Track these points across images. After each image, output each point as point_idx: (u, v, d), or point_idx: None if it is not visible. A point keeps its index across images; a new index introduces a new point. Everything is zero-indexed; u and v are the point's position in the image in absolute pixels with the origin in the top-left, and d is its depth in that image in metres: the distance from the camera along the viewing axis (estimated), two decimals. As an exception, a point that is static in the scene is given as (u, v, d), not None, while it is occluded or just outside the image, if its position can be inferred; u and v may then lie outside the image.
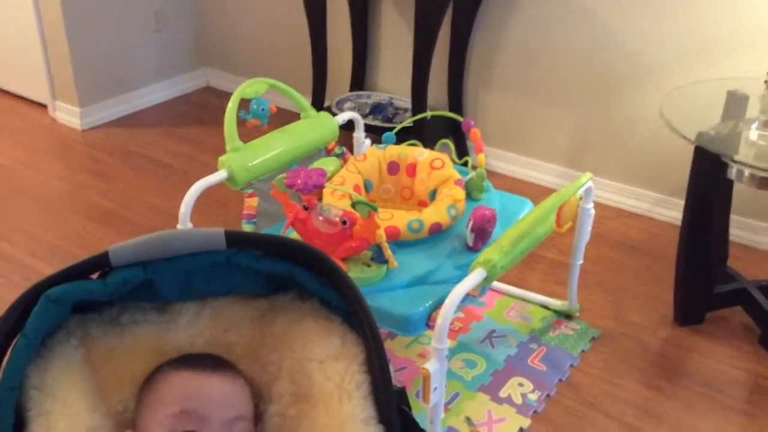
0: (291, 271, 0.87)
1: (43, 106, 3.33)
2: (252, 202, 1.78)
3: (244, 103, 1.81)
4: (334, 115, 2.04)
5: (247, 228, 1.78)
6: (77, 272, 0.82)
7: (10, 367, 0.78)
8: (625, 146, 2.60)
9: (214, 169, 1.76)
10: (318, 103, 2.95)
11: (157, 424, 0.83)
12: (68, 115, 3.22)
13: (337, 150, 2.01)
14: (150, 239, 0.83)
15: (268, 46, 3.41)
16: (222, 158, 1.76)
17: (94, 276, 0.84)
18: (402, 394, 0.84)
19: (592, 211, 1.86)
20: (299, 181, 1.52)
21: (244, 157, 1.76)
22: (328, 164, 1.90)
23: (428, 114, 2.12)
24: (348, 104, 3.00)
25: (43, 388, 0.80)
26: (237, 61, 3.55)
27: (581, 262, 1.95)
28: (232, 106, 1.78)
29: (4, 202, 2.65)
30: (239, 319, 0.93)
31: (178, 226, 1.66)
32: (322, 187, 1.56)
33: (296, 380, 0.88)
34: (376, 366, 0.82)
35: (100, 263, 0.82)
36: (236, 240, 0.85)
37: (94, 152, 3.04)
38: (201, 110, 3.46)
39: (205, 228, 0.85)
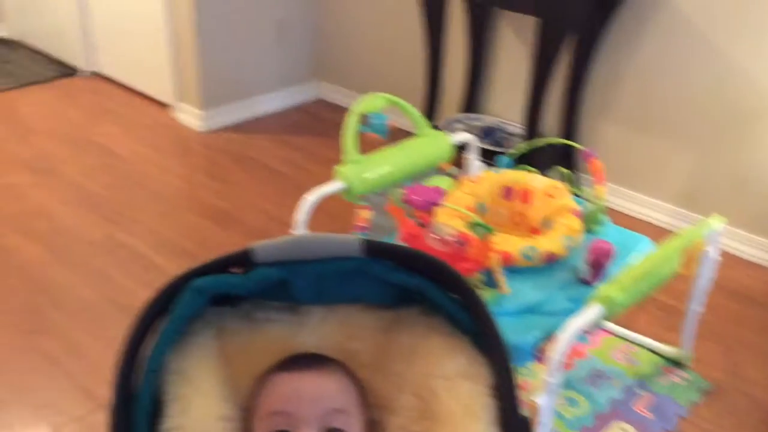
0: (423, 285, 0.86)
1: (167, 107, 3.50)
2: (365, 214, 1.80)
3: (361, 117, 1.84)
4: (446, 135, 2.03)
5: (357, 240, 1.80)
6: (220, 265, 0.84)
7: (154, 350, 0.81)
8: (750, 190, 2.47)
9: (323, 179, 1.79)
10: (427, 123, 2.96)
11: (259, 425, 0.84)
12: (190, 116, 3.37)
13: (451, 170, 2.00)
14: (292, 241, 0.85)
15: (382, 63, 3.46)
16: (339, 169, 1.78)
17: (236, 271, 0.86)
18: (526, 423, 0.82)
19: (718, 257, 1.76)
20: (417, 198, 1.52)
21: (360, 170, 1.78)
22: (441, 183, 1.90)
23: (547, 141, 2.09)
24: (458, 125, 2.99)
25: (181, 374, 0.82)
26: (350, 76, 3.62)
27: (700, 309, 1.86)
28: (352, 118, 1.81)
29: (127, 194, 2.79)
30: (365, 328, 0.93)
31: (293, 232, 1.69)
32: (438, 205, 1.55)
33: (421, 395, 0.86)
34: (505, 390, 0.81)
35: (243, 259, 0.84)
36: (372, 249, 0.85)
37: (212, 154, 3.15)
38: (313, 121, 3.54)
39: (343, 234, 0.86)
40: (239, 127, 3.39)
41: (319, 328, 0.93)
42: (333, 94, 3.72)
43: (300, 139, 3.32)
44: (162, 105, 3.53)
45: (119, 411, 0.78)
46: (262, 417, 0.84)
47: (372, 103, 1.85)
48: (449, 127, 2.95)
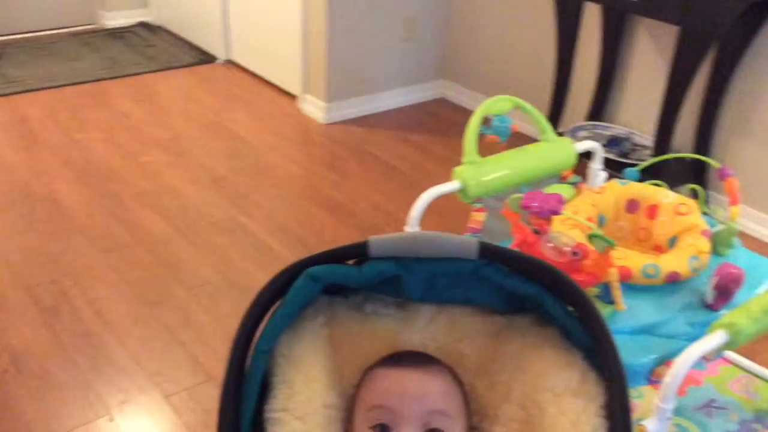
0: (538, 293, 0.83)
1: (294, 98, 3.60)
2: (479, 217, 1.77)
3: (484, 118, 1.81)
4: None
5: (470, 241, 1.78)
6: (337, 256, 0.85)
7: (267, 332, 0.82)
8: None
9: (438, 177, 1.78)
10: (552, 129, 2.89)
11: (360, 417, 0.84)
12: (314, 108, 3.45)
13: (572, 178, 1.94)
14: (409, 237, 0.84)
15: (509, 65, 3.40)
16: (457, 169, 1.77)
17: (350, 262, 0.87)
18: None
19: None
20: (536, 204, 1.48)
21: (479, 171, 1.76)
22: (561, 191, 1.84)
23: (679, 155, 1.98)
24: (583, 133, 2.90)
25: (290, 358, 0.83)
26: (475, 77, 3.59)
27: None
28: (475, 119, 1.78)
29: (251, 178, 2.90)
30: (474, 332, 0.91)
31: (407, 229, 1.69)
32: (558, 213, 1.50)
33: (527, 407, 0.84)
34: (618, 412, 0.76)
35: (359, 251, 0.84)
36: (489, 252, 0.83)
37: (332, 146, 3.22)
38: (433, 120, 3.54)
39: (460, 236, 0.85)
40: (360, 121, 3.44)
41: (427, 327, 0.92)
42: (456, 94, 3.70)
43: (419, 137, 3.33)
44: (289, 95, 3.64)
45: (231, 388, 0.79)
46: (365, 409, 0.84)
47: (497, 104, 1.82)
48: (574, 135, 2.87)
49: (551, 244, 1.47)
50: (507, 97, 1.85)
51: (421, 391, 0.83)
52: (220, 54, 4.08)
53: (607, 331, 0.78)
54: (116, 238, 2.45)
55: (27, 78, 3.74)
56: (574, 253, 1.43)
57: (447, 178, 1.77)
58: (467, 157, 1.78)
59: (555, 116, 2.92)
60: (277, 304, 0.83)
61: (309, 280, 0.83)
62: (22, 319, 2.06)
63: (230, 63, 4.05)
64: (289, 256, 2.35)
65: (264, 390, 0.82)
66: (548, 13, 2.96)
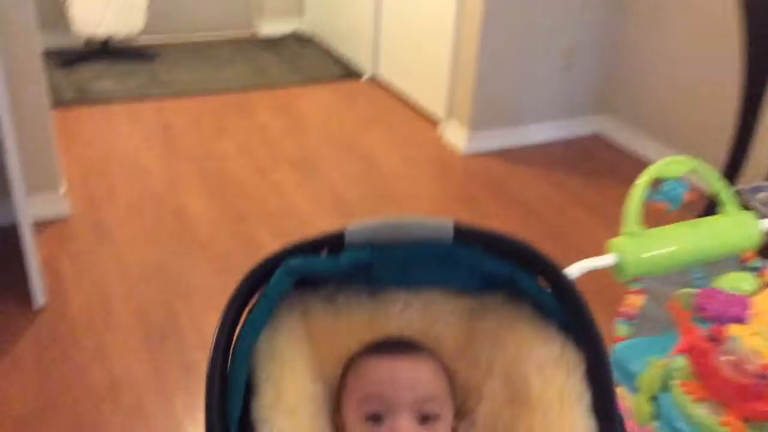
0: (512, 272, 0.85)
1: (435, 123, 3.40)
2: (636, 301, 1.48)
3: (654, 181, 1.52)
4: (747, 208, 1.62)
5: (622, 329, 1.49)
6: (312, 246, 0.85)
7: (248, 329, 0.81)
8: None
9: (584, 228, 1.52)
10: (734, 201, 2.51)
11: (352, 407, 0.84)
12: (455, 135, 3.24)
13: (755, 262, 1.59)
14: (385, 224, 0.84)
15: (679, 104, 3.02)
16: (614, 240, 1.48)
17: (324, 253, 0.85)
18: (620, 415, 0.81)
19: None
20: (713, 308, 1.18)
21: (640, 246, 1.46)
22: (740, 281, 1.51)
23: None
24: (763, 195, 2.49)
25: (272, 353, 0.82)
26: (637, 115, 3.23)
27: None
28: (643, 182, 1.49)
29: (377, 207, 2.73)
30: (448, 314, 0.92)
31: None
32: (742, 322, 1.20)
33: (511, 382, 0.86)
34: (601, 378, 0.82)
35: (334, 241, 0.84)
36: (463, 234, 0.84)
37: (470, 179, 2.99)
38: (585, 159, 3.22)
39: (435, 218, 0.85)
40: (503, 154, 3.19)
41: (401, 313, 0.91)
42: (614, 131, 3.35)
43: (567, 177, 3.03)
44: (430, 121, 3.45)
45: (216, 389, 0.77)
46: (356, 399, 0.84)
47: (672, 167, 1.52)
48: (752, 196, 2.46)
49: (730, 358, 1.16)
50: (684, 158, 1.54)
51: (411, 379, 0.84)
52: (366, 69, 3.97)
53: (582, 301, 0.82)
54: (233, 259, 2.36)
55: (176, 82, 3.79)
56: (761, 377, 1.12)
57: (596, 231, 1.51)
58: (628, 227, 1.49)
59: (733, 169, 2.53)
60: (254, 299, 0.82)
61: (286, 273, 0.82)
62: (127, 341, 1.99)
63: (374, 81, 3.92)
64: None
65: (249, 388, 0.80)
66: (733, 45, 2.57)
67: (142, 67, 3.93)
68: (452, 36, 3.15)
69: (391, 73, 3.81)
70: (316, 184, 2.86)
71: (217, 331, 0.79)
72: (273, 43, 4.46)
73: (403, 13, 3.59)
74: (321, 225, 2.57)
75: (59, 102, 3.31)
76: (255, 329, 0.81)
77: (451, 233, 0.84)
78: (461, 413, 0.89)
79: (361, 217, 2.58)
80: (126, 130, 3.26)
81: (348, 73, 4.03)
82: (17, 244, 2.05)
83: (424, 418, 0.83)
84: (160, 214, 2.60)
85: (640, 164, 1.71)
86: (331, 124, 3.44)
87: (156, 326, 2.05)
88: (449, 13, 3.14)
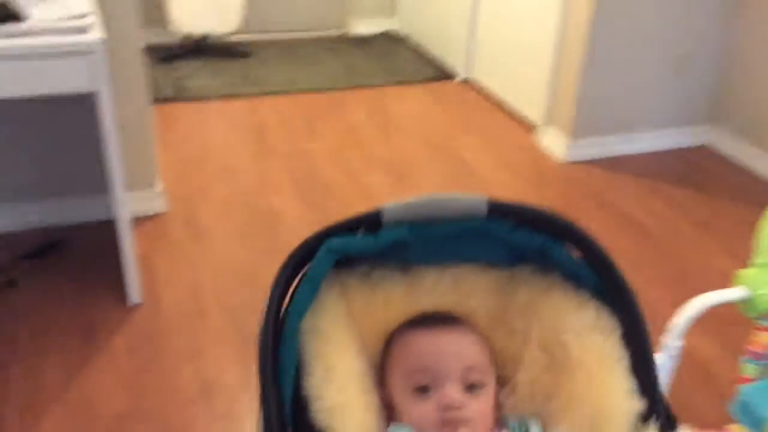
0: (543, 244, 0.88)
1: (531, 129, 3.28)
2: (765, 338, 1.35)
3: None
4: None
5: (748, 369, 1.36)
6: (350, 226, 0.87)
7: (295, 309, 0.83)
8: None
9: (694, 247, 1.40)
10: None
11: (398, 382, 0.87)
12: (554, 142, 3.10)
13: None
14: (421, 202, 0.87)
15: (803, 118, 2.80)
16: (743, 272, 1.35)
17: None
18: (656, 375, 0.84)
19: None
20: None
21: (774, 278, 1.33)
22: None
23: None
24: None
25: (318, 332, 0.85)
26: (752, 126, 3.01)
27: None
28: (779, 207, 1.35)
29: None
30: (479, 287, 0.95)
31: (669, 341, 1.31)
32: None
33: (549, 349, 0.89)
34: (638, 339, 0.84)
35: (372, 220, 0.87)
36: (497, 209, 0.87)
37: (568, 189, 2.86)
38: (694, 171, 3.02)
39: (468, 194, 0.87)
40: (605, 164, 3.03)
41: (434, 288, 0.94)
42: (725, 143, 3.14)
43: (674, 189, 2.85)
44: (526, 126, 3.32)
45: (269, 368, 0.79)
46: (402, 373, 0.87)
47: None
48: None
49: None
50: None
51: (455, 350, 0.87)
52: (460, 71, 3.87)
53: (616, 266, 0.85)
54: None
55: (269, 80, 3.80)
56: None
57: (707, 250, 1.38)
58: (761, 258, 1.35)
59: None
60: (297, 280, 0.85)
61: (328, 253, 0.85)
62: (219, 342, 1.98)
63: (467, 83, 3.82)
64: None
65: (298, 366, 0.82)
66: None
67: (236, 64, 3.97)
68: (554, 40, 3.02)
69: (485, 75, 3.70)
70: (407, 188, 2.80)
71: (265, 313, 0.82)
72: (365, 43, 4.43)
73: (501, 14, 3.48)
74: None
75: (157, 98, 3.37)
76: (301, 309, 0.84)
77: (485, 208, 0.88)
78: (501, 381, 0.92)
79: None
80: (219, 128, 3.28)
81: (441, 74, 3.95)
82: (114, 239, 2.07)
83: (470, 387, 0.87)
84: (251, 213, 2.59)
85: (752, 179, 1.56)
86: (423, 126, 3.37)
87: (246, 330, 2.03)
88: (552, 17, 3.01)
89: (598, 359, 0.85)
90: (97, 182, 2.31)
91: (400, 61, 4.15)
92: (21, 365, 1.84)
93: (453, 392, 0.85)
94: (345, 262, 0.90)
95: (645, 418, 0.83)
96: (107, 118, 1.80)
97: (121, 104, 2.19)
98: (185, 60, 3.95)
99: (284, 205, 2.65)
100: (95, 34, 1.74)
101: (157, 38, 3.95)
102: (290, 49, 4.26)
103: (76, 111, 2.27)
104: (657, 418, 0.83)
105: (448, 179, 2.88)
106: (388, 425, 0.87)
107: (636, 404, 0.83)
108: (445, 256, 0.93)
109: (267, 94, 3.64)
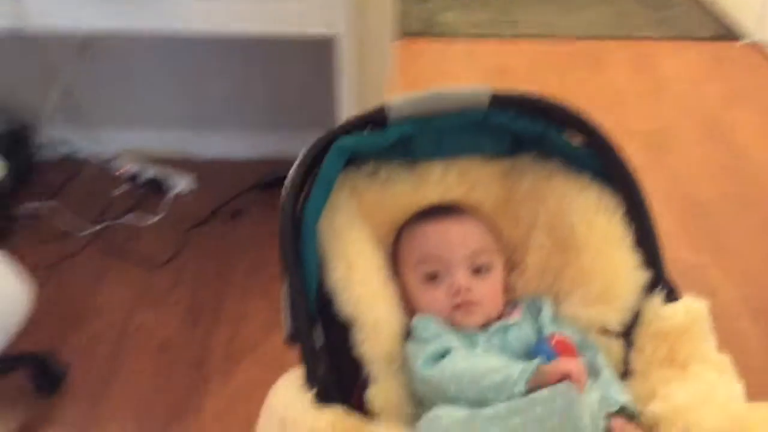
0: (545, 130, 0.94)
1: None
2: None
3: None
4: None
5: None
6: (357, 125, 0.92)
7: (311, 208, 0.87)
8: None
9: None
10: None
11: (409, 272, 0.94)
12: None
13: None
14: (426, 96, 0.92)
15: None
16: None
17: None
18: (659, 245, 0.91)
19: None
20: None
21: None
22: None
23: None
24: None
25: (335, 231, 0.89)
26: None
27: None
28: None
29: (734, 211, 2.21)
30: (484, 178, 1.00)
31: None
32: None
33: (555, 232, 0.95)
34: (641, 217, 0.91)
35: (377, 117, 0.91)
36: (498, 99, 0.92)
37: None
38: None
39: (471, 85, 0.91)
40: None
41: (440, 182, 1.00)
42: None
43: None
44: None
45: (293, 265, 0.85)
46: (412, 263, 0.94)
47: None
48: None
49: None
50: None
51: (461, 237, 0.94)
52: (748, 30, 3.28)
53: (615, 147, 0.92)
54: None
55: (525, 21, 3.51)
56: None
57: None
58: None
59: None
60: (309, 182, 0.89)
61: (339, 152, 0.89)
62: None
63: (755, 46, 3.23)
64: (760, 337, 1.71)
65: (319, 264, 0.88)
66: None
67: (493, 0, 3.71)
68: None
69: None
70: (665, 169, 2.41)
71: (282, 213, 0.86)
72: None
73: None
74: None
75: (405, 32, 3.25)
76: (317, 208, 0.89)
77: (487, 99, 0.91)
78: (510, 265, 0.98)
79: (710, 228, 2.06)
80: (461, 70, 3.08)
81: (723, 32, 3.38)
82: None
83: (477, 270, 0.93)
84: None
85: None
86: (692, 93, 2.90)
87: None
88: None
89: (604, 237, 0.91)
90: (331, 118, 2.26)
91: (677, 11, 3.62)
92: (232, 302, 1.85)
93: (461, 277, 0.91)
94: (351, 162, 0.95)
95: (650, 288, 0.90)
96: (344, 62, 1.69)
97: (363, 41, 2.06)
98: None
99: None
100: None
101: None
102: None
103: (314, 47, 2.21)
104: (662, 288, 0.90)
105: (713, 162, 2.45)
106: (406, 315, 0.92)
107: (642, 276, 0.90)
108: (449, 149, 0.98)
109: (519, 36, 3.36)
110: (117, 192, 2.20)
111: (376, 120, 0.91)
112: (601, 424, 0.78)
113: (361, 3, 1.81)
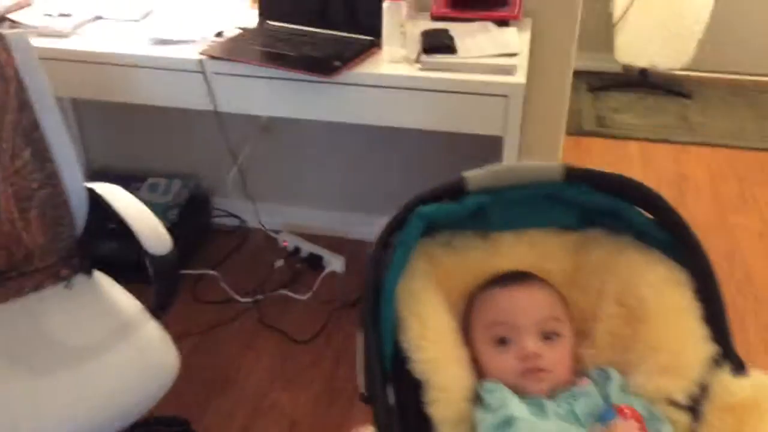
0: (618, 205, 0.96)
1: None
2: None
3: None
4: None
5: None
6: (437, 195, 0.95)
7: (393, 273, 0.91)
8: None
9: None
10: None
11: (480, 336, 0.95)
12: None
13: None
14: (504, 168, 0.95)
15: None
16: None
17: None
18: (729, 331, 0.91)
19: None
20: None
21: None
22: None
23: None
24: None
25: (411, 293, 0.94)
26: None
27: None
28: None
29: None
30: (555, 250, 1.02)
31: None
32: None
33: (626, 303, 0.96)
34: (711, 293, 0.91)
35: (456, 188, 0.94)
36: (574, 174, 0.95)
37: None
38: None
39: (546, 162, 0.94)
40: None
41: (511, 252, 1.02)
42: None
43: None
44: None
45: (371, 326, 0.88)
46: (482, 327, 0.95)
47: None
48: None
49: None
50: None
51: (531, 303, 0.95)
52: None
53: (688, 226, 0.93)
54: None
55: (709, 128, 3.32)
56: None
57: None
58: None
59: None
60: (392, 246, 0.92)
61: (419, 220, 0.93)
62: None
63: None
64: None
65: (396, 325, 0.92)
66: None
67: (672, 104, 3.55)
68: None
69: None
70: None
71: (366, 276, 0.90)
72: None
73: None
74: None
75: (576, 130, 3.19)
76: (397, 273, 0.92)
77: (562, 173, 0.95)
78: (578, 334, 0.98)
79: None
80: (635, 173, 2.95)
81: None
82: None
83: (547, 337, 0.94)
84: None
85: None
86: None
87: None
88: None
89: (674, 309, 0.92)
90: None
91: None
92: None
93: (530, 342, 0.92)
94: (427, 233, 0.98)
95: (717, 363, 0.90)
96: (504, 157, 1.66)
97: (530, 128, 2.01)
98: (618, 91, 3.67)
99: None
100: (519, 77, 1.61)
101: (593, 64, 3.75)
102: (742, 95, 3.67)
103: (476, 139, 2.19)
104: (730, 362, 0.89)
105: None
106: (477, 378, 0.93)
107: (710, 348, 0.90)
108: (521, 221, 1.01)
109: (700, 144, 3.18)
110: (278, 264, 2.30)
111: (454, 190, 0.95)
112: None
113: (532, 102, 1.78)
